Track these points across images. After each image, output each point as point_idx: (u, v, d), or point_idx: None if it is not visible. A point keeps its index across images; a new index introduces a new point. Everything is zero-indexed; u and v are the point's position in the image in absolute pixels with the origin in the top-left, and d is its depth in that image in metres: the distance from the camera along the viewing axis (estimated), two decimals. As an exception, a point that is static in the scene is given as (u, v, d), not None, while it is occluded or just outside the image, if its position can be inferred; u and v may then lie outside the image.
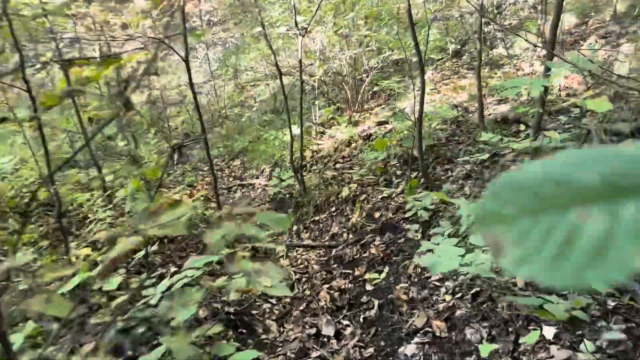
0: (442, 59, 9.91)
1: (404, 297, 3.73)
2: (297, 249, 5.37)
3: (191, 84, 4.63)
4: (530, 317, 2.87)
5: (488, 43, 9.46)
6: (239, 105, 12.77)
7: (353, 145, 7.45)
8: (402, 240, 4.50)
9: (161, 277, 4.24)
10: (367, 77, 8.87)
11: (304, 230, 5.80)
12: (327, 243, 5.20)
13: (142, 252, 4.15)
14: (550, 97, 6.18)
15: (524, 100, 6.56)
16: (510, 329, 2.88)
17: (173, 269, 4.34)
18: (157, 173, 5.33)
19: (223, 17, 15.51)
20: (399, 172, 5.74)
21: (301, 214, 6.19)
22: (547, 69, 4.14)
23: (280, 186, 6.79)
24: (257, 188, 8.08)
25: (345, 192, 5.63)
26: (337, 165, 6.97)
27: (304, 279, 4.63)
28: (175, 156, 8.00)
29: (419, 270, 3.98)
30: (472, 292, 3.31)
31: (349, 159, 7.12)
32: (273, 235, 6.02)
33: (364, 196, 5.59)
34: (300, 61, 5.97)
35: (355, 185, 5.85)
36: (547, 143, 3.99)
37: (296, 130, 8.09)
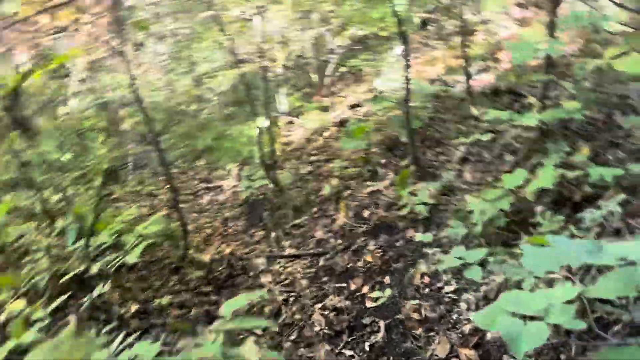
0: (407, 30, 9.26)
1: (416, 316, 3.11)
2: (279, 260, 4.69)
3: (132, 82, 3.86)
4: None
5: (457, 9, 8.86)
6: (198, 99, 11.90)
7: (326, 133, 6.79)
8: (401, 242, 3.87)
9: (120, 319, 3.53)
10: (333, 57, 8.18)
11: (285, 237, 5.11)
12: (312, 251, 4.54)
13: (96, 292, 3.41)
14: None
15: (507, 67, 6.00)
16: (562, 357, 2.29)
17: (134, 308, 3.62)
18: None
19: (171, 7, 14.49)
20: (383, 161, 5.11)
21: (279, 218, 5.50)
22: (552, 25, 3.54)
23: (252, 187, 6.07)
24: (226, 190, 7.33)
25: (326, 189, 4.96)
26: (313, 159, 6.30)
27: (291, 299, 3.96)
28: (130, 164, 7.17)
29: (427, 279, 3.36)
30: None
31: (324, 150, 6.45)
32: (249, 246, 5.34)
33: (348, 192, 4.94)
34: (259, 45, 5.23)
35: (337, 180, 5.19)
36: (558, 115, 3.40)
37: (263, 122, 7.36)
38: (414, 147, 4.33)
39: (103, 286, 3.37)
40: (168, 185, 8.56)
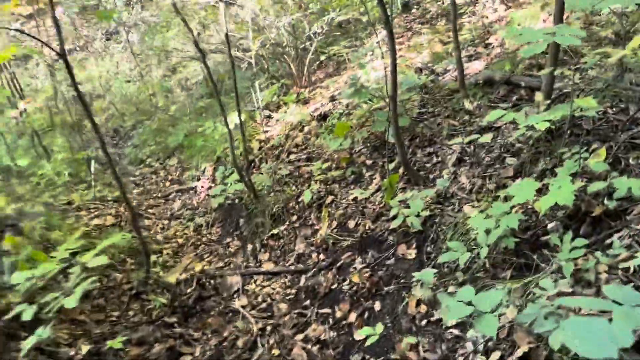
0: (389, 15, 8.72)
1: (413, 356, 2.65)
2: (255, 278, 4.20)
3: (71, 76, 3.30)
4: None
5: (442, -9, 8.35)
6: (169, 92, 11.25)
7: (306, 129, 6.26)
8: (392, 260, 3.40)
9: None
10: (312, 45, 7.62)
11: (262, 250, 4.62)
12: (292, 267, 4.05)
13: (33, 339, 2.88)
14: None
15: (499, 54, 5.52)
16: None
17: (86, 349, 3.11)
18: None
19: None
20: (369, 162, 4.61)
21: (256, 227, 5.00)
22: (561, 8, 3.04)
23: (227, 191, 5.54)
24: (200, 192, 6.79)
25: (306, 195, 4.45)
26: (292, 157, 5.77)
27: (268, 327, 3.48)
28: (92, 166, 6.56)
29: (424, 307, 2.89)
30: (519, 351, 2.24)
31: (304, 147, 5.93)
32: (224, 259, 4.83)
33: (330, 198, 4.44)
34: (226, 34, 4.67)
35: (318, 184, 4.69)
36: (570, 113, 2.92)
37: (235, 118, 6.81)
38: (402, 148, 3.83)
39: (45, 328, 2.84)
40: (141, 187, 8.01)
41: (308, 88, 7.65)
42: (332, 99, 6.67)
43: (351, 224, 3.99)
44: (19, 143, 7.64)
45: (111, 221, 6.02)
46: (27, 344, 2.83)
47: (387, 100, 4.77)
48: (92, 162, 6.71)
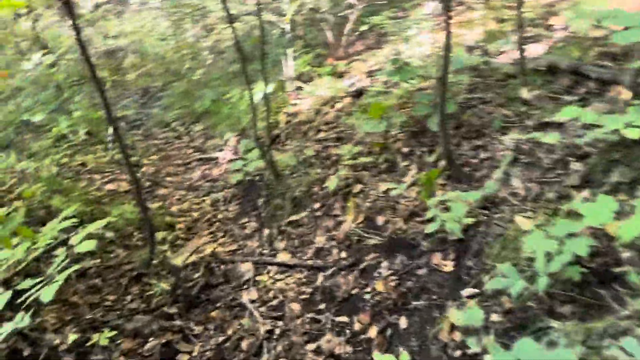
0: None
1: (441, 395, 2.21)
2: (268, 269, 3.80)
3: (73, 21, 2.88)
4: None
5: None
6: (201, 54, 10.82)
7: (339, 105, 5.76)
8: (424, 270, 2.94)
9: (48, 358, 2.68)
10: (352, 13, 7.05)
11: (279, 237, 4.21)
12: (310, 262, 3.63)
13: (17, 321, 2.55)
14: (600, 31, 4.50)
15: (564, 38, 4.88)
16: None
17: (73, 337, 2.77)
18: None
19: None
20: (405, 150, 4.11)
21: (275, 209, 4.59)
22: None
23: (248, 166, 5.12)
24: (221, 164, 6.41)
25: (332, 182, 4.00)
26: (320, 135, 5.31)
27: (277, 330, 3.09)
28: (110, 134, 6.21)
29: (459, 335, 2.44)
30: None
31: (334, 126, 5.45)
32: (238, 241, 4.45)
33: (358, 187, 3.98)
34: (258, -4, 4.18)
35: (346, 169, 4.22)
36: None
37: (263, 88, 6.34)
38: (447, 139, 3.33)
39: (26, 315, 2.50)
40: (165, 151, 7.67)
41: (344, 60, 7.12)
42: (370, 74, 6.15)
43: (380, 220, 3.54)
44: (40, 97, 7.36)
45: (125, 187, 5.70)
46: (3, 331, 2.50)
47: (433, 81, 4.24)
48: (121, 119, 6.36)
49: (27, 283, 2.40)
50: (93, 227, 2.66)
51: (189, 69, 10.94)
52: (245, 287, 3.70)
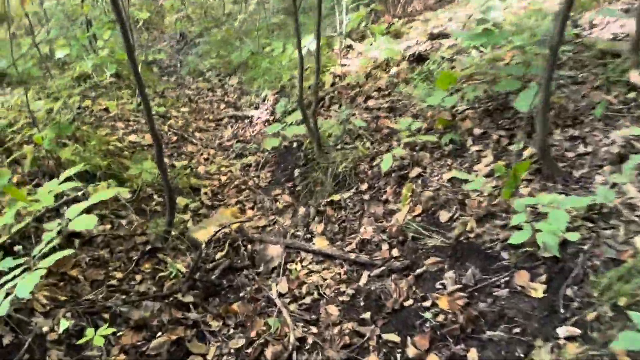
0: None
1: None
2: (302, 256, 3.24)
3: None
4: None
5: None
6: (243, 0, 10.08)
7: (394, 70, 5.06)
8: (504, 291, 2.32)
9: (31, 351, 2.19)
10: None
11: (316, 217, 3.63)
12: (352, 255, 3.05)
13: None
14: None
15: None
16: None
17: (66, 324, 2.27)
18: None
19: None
20: (477, 131, 3.44)
21: (314, 184, 4.00)
22: None
23: (286, 131, 4.51)
24: (255, 124, 5.82)
25: (386, 161, 3.36)
26: (371, 103, 4.64)
27: (310, 339, 2.54)
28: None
29: (555, 390, 1.84)
30: None
31: (387, 93, 4.77)
32: (268, 216, 3.89)
33: (416, 171, 3.35)
34: None
35: (402, 147, 3.58)
36: None
37: (310, 42, 5.66)
38: (546, 125, 2.64)
39: (3, 300, 1.98)
40: (196, 103, 7.10)
41: (402, 19, 6.35)
42: (431, 37, 5.38)
43: (444, 215, 2.91)
44: (68, 32, 6.81)
45: (149, 141, 5.16)
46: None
47: (526, 49, 3.52)
48: (140, 65, 5.78)
49: (6, 263, 1.88)
50: (97, 198, 2.11)
51: (229, 16, 10.26)
52: (273, 275, 3.15)
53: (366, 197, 3.44)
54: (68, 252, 1.86)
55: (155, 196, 3.91)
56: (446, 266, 2.62)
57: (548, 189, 2.67)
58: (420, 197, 3.11)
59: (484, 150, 3.26)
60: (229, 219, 3.70)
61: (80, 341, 2.15)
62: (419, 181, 3.27)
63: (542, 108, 2.54)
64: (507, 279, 2.35)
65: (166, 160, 4.85)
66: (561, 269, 2.24)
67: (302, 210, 3.79)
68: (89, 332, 2.13)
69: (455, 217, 2.85)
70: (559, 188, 2.64)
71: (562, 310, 2.10)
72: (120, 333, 2.44)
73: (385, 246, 2.98)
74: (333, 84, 5.34)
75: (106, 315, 2.51)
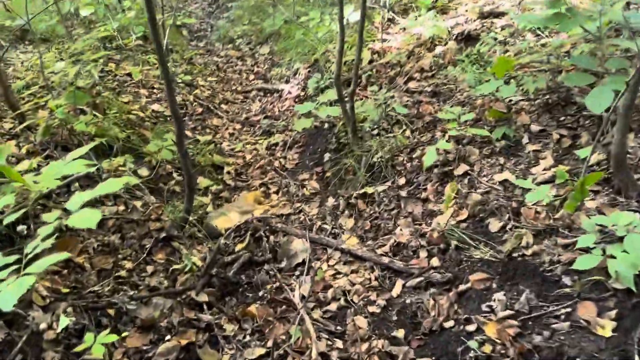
0: None
1: None
2: (329, 253, 2.95)
3: None
4: None
5: None
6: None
7: (439, 49, 4.64)
8: (563, 324, 1.99)
9: (23, 353, 1.97)
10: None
11: (346, 210, 3.32)
12: (386, 260, 2.74)
13: None
14: None
15: None
16: None
17: (65, 322, 2.03)
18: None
19: None
20: (535, 128, 3.05)
21: (345, 172, 3.68)
22: None
23: (319, 111, 4.16)
24: (285, 99, 5.48)
25: (429, 156, 3.01)
26: (412, 85, 4.26)
27: (334, 356, 2.26)
28: (167, 34, 5.30)
29: None
30: None
31: (431, 75, 4.38)
32: (293, 203, 3.60)
33: (463, 169, 2.99)
34: None
35: (447, 139, 3.21)
36: None
37: (350, 13, 5.25)
38: (625, 130, 2.25)
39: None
40: (223, 72, 6.77)
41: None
42: (483, 15, 4.92)
43: (494, 224, 2.57)
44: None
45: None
46: None
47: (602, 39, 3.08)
48: (169, 28, 5.46)
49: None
50: (103, 190, 1.82)
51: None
52: (297, 273, 2.87)
53: (403, 193, 3.11)
54: (64, 256, 1.59)
55: (174, 174, 3.65)
56: (495, 285, 2.29)
57: (619, 204, 2.31)
58: (466, 199, 2.77)
59: (542, 150, 2.88)
60: (251, 205, 3.42)
61: (78, 348, 1.90)
62: (465, 180, 2.92)
63: (626, 111, 2.15)
64: (568, 309, 2.02)
65: (189, 133, 4.58)
66: (635, 306, 1.90)
67: (330, 200, 3.48)
68: (88, 338, 1.89)
69: (507, 227, 2.51)
70: (634, 205, 2.27)
71: (636, 358, 1.77)
72: (126, 333, 2.20)
73: (423, 253, 2.66)
74: (371, 61, 4.95)
75: (111, 311, 2.27)
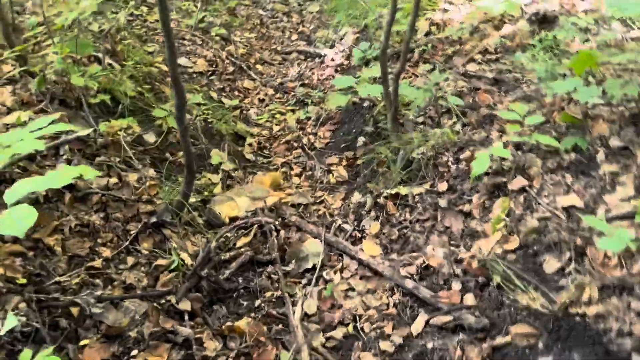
0: None
1: None
2: (345, 262, 2.51)
3: None
4: None
5: None
6: None
7: (508, 28, 4.00)
8: None
9: None
10: None
11: (373, 211, 2.85)
12: (410, 283, 2.27)
13: None
14: None
15: None
16: None
17: (13, 320, 1.68)
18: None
19: None
20: (615, 144, 2.46)
21: (377, 165, 3.18)
22: None
23: (361, 89, 3.63)
24: (327, 66, 4.95)
25: (480, 162, 2.47)
26: (471, 68, 3.68)
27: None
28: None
29: None
30: None
31: (495, 58, 3.77)
32: (316, 189, 3.17)
33: (520, 183, 2.45)
34: None
35: (504, 141, 2.66)
36: None
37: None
38: None
39: None
40: (257, 19, 6.24)
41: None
42: (565, -7, 4.21)
43: (550, 263, 2.05)
44: None
45: (202, 67, 4.46)
46: None
47: None
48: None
49: None
50: (44, 186, 1.39)
51: None
52: (304, 281, 2.46)
53: (443, 201, 2.60)
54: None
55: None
56: (541, 345, 1.81)
57: None
58: (518, 223, 2.26)
59: (620, 173, 2.31)
60: (266, 191, 2.99)
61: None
62: (521, 198, 2.39)
63: None
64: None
65: (214, 95, 4.15)
66: None
67: (356, 196, 3.01)
68: (24, 356, 1.53)
69: (567, 271, 1.99)
70: None
71: None
72: (85, 342, 1.84)
73: (456, 285, 2.18)
74: (427, 34, 4.35)
75: (75, 310, 1.91)
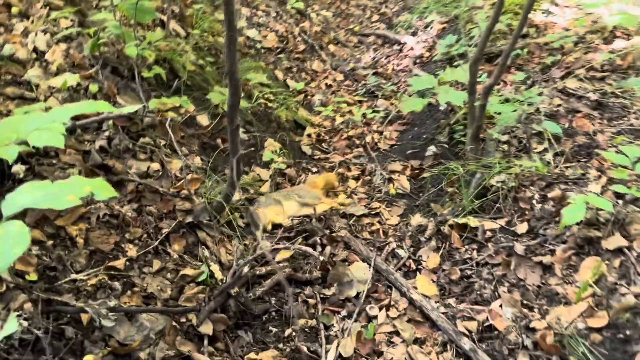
0: None
1: None
2: (392, 297, 2.19)
3: None
4: None
5: None
6: None
7: (621, 43, 3.46)
8: None
9: None
10: None
11: (433, 240, 2.49)
12: (467, 344, 1.93)
13: None
14: None
15: None
16: None
17: (13, 322, 1.48)
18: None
19: None
20: None
21: (449, 183, 2.80)
22: None
23: (440, 92, 3.24)
24: (405, 55, 4.54)
25: (573, 212, 2.05)
26: (570, 85, 3.18)
27: None
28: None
29: None
30: None
31: (600, 77, 3.26)
32: (372, 197, 2.85)
33: (618, 242, 2.02)
34: None
35: (606, 190, 2.22)
36: None
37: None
38: None
39: None
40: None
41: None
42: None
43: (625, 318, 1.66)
44: None
45: (272, 43, 4.17)
46: None
47: None
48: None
49: None
50: (45, 204, 1.16)
51: None
52: (342, 313, 2.16)
53: (520, 246, 2.22)
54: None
55: (240, 132, 2.98)
56: None
57: None
58: (610, 296, 1.85)
59: None
60: (317, 196, 2.69)
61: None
62: (616, 262, 1.97)
63: None
64: None
65: (280, 75, 3.86)
66: None
67: (417, 217, 2.66)
68: None
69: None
70: None
71: None
72: (88, 357, 1.64)
73: (523, 357, 1.82)
74: (524, 36, 3.85)
75: (84, 317, 1.71)
